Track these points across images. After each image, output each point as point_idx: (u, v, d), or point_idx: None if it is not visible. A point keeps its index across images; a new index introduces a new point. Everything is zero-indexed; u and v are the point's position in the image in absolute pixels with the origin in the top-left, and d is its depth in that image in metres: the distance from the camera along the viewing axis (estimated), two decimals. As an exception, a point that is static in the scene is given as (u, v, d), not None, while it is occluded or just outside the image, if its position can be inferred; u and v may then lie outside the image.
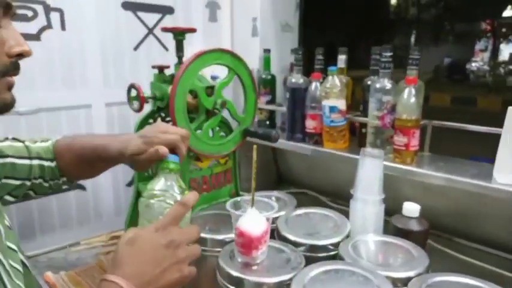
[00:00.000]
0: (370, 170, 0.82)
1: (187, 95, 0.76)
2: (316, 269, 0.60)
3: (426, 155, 1.04)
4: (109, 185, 1.22)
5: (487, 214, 0.95)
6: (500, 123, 0.84)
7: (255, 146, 0.64)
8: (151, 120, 0.97)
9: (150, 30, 1.26)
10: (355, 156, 1.05)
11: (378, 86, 0.98)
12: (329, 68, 1.07)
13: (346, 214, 0.85)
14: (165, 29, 0.88)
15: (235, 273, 0.61)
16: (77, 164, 0.69)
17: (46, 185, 0.69)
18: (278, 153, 1.46)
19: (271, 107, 1.35)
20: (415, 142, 0.95)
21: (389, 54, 0.97)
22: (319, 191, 1.40)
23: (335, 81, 1.06)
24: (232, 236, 0.73)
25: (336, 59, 1.18)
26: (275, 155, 1.47)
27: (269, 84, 1.37)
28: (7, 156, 0.63)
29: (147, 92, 0.89)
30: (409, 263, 0.64)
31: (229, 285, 0.62)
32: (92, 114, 1.16)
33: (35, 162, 0.67)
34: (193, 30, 0.89)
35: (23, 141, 0.67)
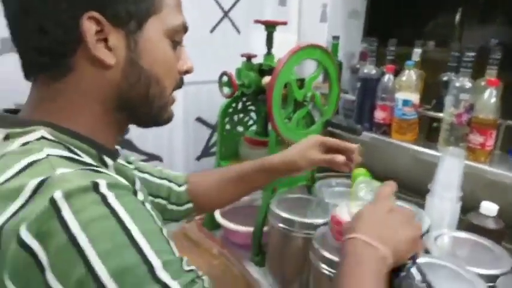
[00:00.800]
0: (451, 168, 0.85)
1: (283, 87, 0.81)
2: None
3: (497, 153, 1.06)
4: (179, 159, 1.30)
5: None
6: None
7: (358, 145, 0.69)
8: (234, 104, 1.03)
9: (226, 13, 1.30)
10: (424, 149, 1.08)
11: (457, 84, 0.99)
12: (406, 63, 1.09)
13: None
14: (258, 21, 0.93)
15: (329, 256, 0.67)
16: (216, 187, 0.74)
17: (168, 207, 0.72)
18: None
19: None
20: (491, 142, 0.96)
21: (472, 54, 0.98)
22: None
23: (411, 75, 1.08)
24: (318, 220, 0.79)
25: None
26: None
27: (336, 71, 1.40)
28: (145, 172, 0.69)
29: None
30: (494, 260, 0.68)
31: (322, 264, 0.68)
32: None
33: (165, 182, 0.71)
34: (284, 23, 0.93)
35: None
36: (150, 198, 0.67)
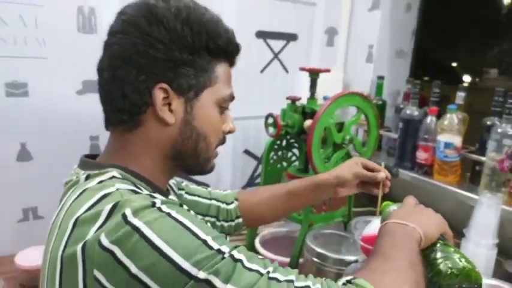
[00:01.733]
0: (487, 214, 0.87)
1: (322, 133, 0.88)
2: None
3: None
4: (227, 187, 1.40)
5: None
6: None
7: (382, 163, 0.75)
8: (278, 141, 1.11)
9: (276, 55, 1.41)
10: (465, 193, 1.09)
11: (499, 130, 1.00)
12: (449, 107, 1.11)
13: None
14: (303, 69, 1.02)
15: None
16: (267, 202, 0.82)
17: (218, 224, 0.81)
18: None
19: (380, 131, 1.42)
20: (533, 189, 0.96)
21: (515, 101, 0.99)
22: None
23: (453, 119, 1.11)
24: (351, 257, 0.84)
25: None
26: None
27: (380, 110, 1.44)
28: (195, 195, 0.81)
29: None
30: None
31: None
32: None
33: (213, 202, 0.81)
34: (327, 71, 1.01)
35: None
36: (200, 217, 0.75)
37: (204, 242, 0.45)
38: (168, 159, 0.58)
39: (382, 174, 0.80)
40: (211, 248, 0.44)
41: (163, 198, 0.49)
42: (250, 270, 0.45)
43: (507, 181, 1.01)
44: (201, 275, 0.42)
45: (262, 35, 1.36)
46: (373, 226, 0.69)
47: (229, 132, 0.63)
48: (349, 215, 1.04)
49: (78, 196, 0.50)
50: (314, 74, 1.02)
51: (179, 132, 0.56)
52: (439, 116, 1.18)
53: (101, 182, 0.51)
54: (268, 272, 0.45)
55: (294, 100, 1.06)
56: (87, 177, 0.53)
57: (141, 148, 0.56)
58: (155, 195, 0.50)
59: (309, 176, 0.83)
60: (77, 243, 0.45)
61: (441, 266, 0.54)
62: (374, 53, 1.49)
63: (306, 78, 1.15)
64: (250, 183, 1.44)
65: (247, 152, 1.41)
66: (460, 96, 1.19)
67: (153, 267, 0.43)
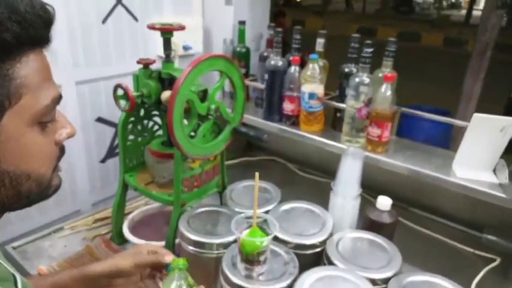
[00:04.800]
0: (351, 168, 0.90)
1: (184, 103, 0.76)
2: (311, 276, 0.69)
3: (393, 139, 1.14)
4: (82, 163, 1.20)
5: (446, 195, 1.10)
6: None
7: (257, 174, 0.68)
8: (135, 112, 0.95)
9: (119, 1, 1.17)
10: (329, 141, 1.13)
11: (357, 80, 1.02)
12: (310, 56, 1.09)
13: (318, 192, 0.97)
14: (152, 28, 0.84)
15: (238, 282, 0.69)
16: None
17: None
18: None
19: (246, 82, 1.35)
20: (387, 134, 1.03)
21: (370, 50, 1.01)
22: (287, 159, 1.49)
23: (315, 69, 1.09)
24: (229, 238, 0.79)
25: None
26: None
27: (244, 57, 1.36)
28: None
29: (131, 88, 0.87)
30: (388, 263, 0.75)
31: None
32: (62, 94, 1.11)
33: None
34: (182, 29, 0.85)
35: None
36: None
37: None
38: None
39: (169, 256, 0.69)
40: None
41: None
42: None
43: (365, 128, 1.06)
44: None
45: (96, -25, 1.09)
46: None
47: (69, 137, 0.49)
48: (223, 184, 0.98)
49: None
50: (167, 33, 0.85)
51: None
52: (303, 64, 1.16)
53: None
54: None
55: (146, 64, 0.89)
56: None
57: None
58: None
59: (81, 267, 0.68)
60: None
61: None
62: (232, -6, 1.36)
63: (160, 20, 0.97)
64: (111, 153, 1.25)
65: (100, 119, 1.20)
66: (320, 43, 1.18)
67: None
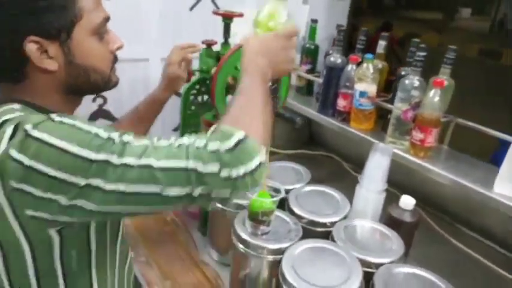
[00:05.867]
0: (378, 163, 0.93)
1: (226, 80, 0.88)
2: (306, 245, 0.76)
3: (445, 149, 1.12)
4: (157, 130, 1.40)
5: (486, 212, 1.05)
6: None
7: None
8: (197, 86, 1.11)
9: (205, -8, 1.34)
10: (374, 139, 1.15)
11: (406, 82, 1.04)
12: (365, 56, 1.13)
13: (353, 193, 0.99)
14: (216, 13, 0.98)
15: (243, 236, 0.78)
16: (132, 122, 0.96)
17: None
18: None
19: (309, 76, 1.43)
20: (431, 139, 1.02)
21: (422, 53, 1.01)
22: (343, 157, 1.52)
23: (369, 69, 1.12)
24: (244, 201, 0.89)
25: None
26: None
27: (311, 54, 1.44)
28: None
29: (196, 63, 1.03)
30: (387, 252, 0.78)
31: (239, 243, 0.80)
32: (149, 68, 1.33)
33: None
34: (241, 15, 0.98)
35: None
36: None
37: (96, 134, 0.52)
38: (70, 96, 0.63)
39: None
40: (103, 137, 0.52)
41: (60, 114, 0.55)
42: (138, 145, 0.53)
43: (410, 131, 1.06)
44: (99, 156, 0.50)
45: (188, -31, 1.28)
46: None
47: (118, 48, 0.67)
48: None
49: None
50: (227, 18, 0.99)
51: (67, 74, 0.60)
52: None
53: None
54: (152, 143, 0.54)
55: (209, 44, 1.04)
56: None
57: (35, 96, 0.59)
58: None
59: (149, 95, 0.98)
60: None
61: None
62: (311, -7, 1.45)
63: (243, 19, 1.12)
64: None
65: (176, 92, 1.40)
66: (381, 45, 1.20)
67: (58, 162, 0.49)
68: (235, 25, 1.14)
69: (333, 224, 0.86)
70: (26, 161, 0.49)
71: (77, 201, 0.50)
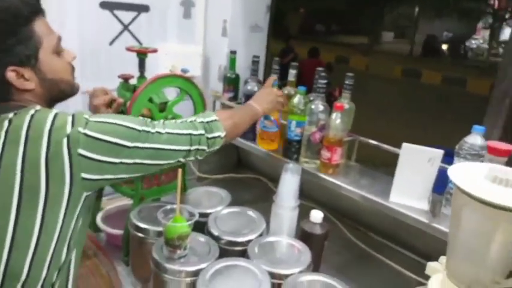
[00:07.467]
0: (289, 181, 1.01)
1: (141, 111, 0.92)
2: (220, 264, 0.81)
3: (352, 165, 1.24)
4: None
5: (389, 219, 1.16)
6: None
7: (179, 170, 0.83)
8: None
9: (126, 27, 1.39)
10: (280, 158, 1.24)
11: (313, 106, 1.15)
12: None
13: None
14: (129, 50, 1.03)
15: (161, 261, 0.81)
16: None
17: None
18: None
19: (232, 103, 1.51)
20: (336, 157, 1.13)
21: (324, 81, 1.13)
22: (269, 178, 1.60)
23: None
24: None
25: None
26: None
27: (233, 83, 1.52)
28: None
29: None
30: (295, 262, 0.85)
31: (157, 269, 0.82)
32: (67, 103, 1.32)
33: None
34: (154, 51, 1.04)
35: None
36: None
37: (134, 117, 0.80)
38: (52, 103, 0.80)
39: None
40: (140, 118, 0.79)
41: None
42: (158, 123, 0.81)
43: (319, 150, 1.17)
44: (143, 128, 0.76)
45: (107, 5, 1.32)
46: None
47: (73, 59, 0.82)
48: (184, 186, 1.12)
49: (28, 122, 0.68)
50: (142, 54, 1.04)
51: (43, 88, 0.76)
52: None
53: (36, 110, 0.71)
54: (169, 121, 0.84)
55: (126, 78, 1.07)
56: (15, 114, 0.70)
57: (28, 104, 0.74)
58: None
59: None
60: (60, 140, 0.67)
61: None
62: (228, 28, 1.54)
63: (162, 49, 1.18)
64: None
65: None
66: (292, 73, 1.31)
67: (116, 132, 0.72)
68: (161, 58, 1.21)
69: (248, 242, 0.92)
70: (92, 133, 0.69)
71: (124, 159, 0.73)
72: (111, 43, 1.36)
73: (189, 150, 0.82)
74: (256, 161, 1.67)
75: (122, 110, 1.08)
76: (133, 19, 1.40)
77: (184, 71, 1.56)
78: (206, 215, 1.00)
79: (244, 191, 1.50)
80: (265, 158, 1.30)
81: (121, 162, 0.72)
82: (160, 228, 0.92)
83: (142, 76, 1.05)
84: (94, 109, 1.01)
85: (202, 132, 0.84)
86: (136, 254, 0.97)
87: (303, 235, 0.98)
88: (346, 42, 12.04)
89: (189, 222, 0.82)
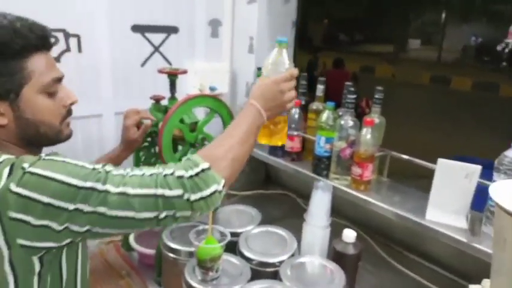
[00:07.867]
0: (320, 199, 1.00)
1: (172, 132, 0.94)
2: (252, 287, 0.80)
3: (384, 181, 1.21)
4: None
5: (426, 238, 1.13)
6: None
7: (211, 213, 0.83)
8: (149, 139, 1.16)
9: (156, 48, 1.43)
10: (319, 177, 1.22)
11: (342, 122, 1.13)
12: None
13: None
14: (161, 72, 1.05)
15: (194, 284, 0.81)
16: None
17: None
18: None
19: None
20: (368, 173, 1.11)
21: (353, 96, 1.12)
22: (298, 194, 1.58)
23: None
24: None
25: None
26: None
27: (260, 99, 1.53)
28: None
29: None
30: (328, 284, 0.83)
31: (190, 292, 0.83)
32: (102, 123, 1.37)
33: None
34: (184, 72, 1.06)
35: None
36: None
37: (83, 166, 0.61)
38: (27, 147, 0.70)
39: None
40: (88, 168, 0.61)
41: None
42: (117, 174, 0.62)
43: (350, 166, 1.15)
44: (86, 184, 0.59)
45: (138, 29, 1.36)
46: None
47: (72, 103, 0.74)
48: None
49: None
50: (172, 75, 1.06)
51: (17, 126, 0.68)
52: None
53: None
54: (127, 173, 0.63)
55: (157, 100, 1.10)
56: None
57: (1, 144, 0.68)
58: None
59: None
60: None
61: None
62: (254, 44, 1.56)
63: (191, 70, 1.20)
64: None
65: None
66: (320, 88, 1.31)
67: (52, 191, 0.58)
68: (189, 77, 1.23)
69: (280, 263, 0.91)
70: (25, 192, 0.57)
71: (67, 225, 0.59)
72: (142, 64, 1.40)
73: (157, 218, 0.62)
74: (284, 177, 1.66)
75: (155, 131, 1.10)
76: (163, 41, 1.43)
77: (212, 89, 1.57)
78: (237, 235, 1.00)
79: (273, 207, 1.49)
80: (293, 174, 1.29)
81: (65, 228, 0.59)
82: (192, 249, 0.93)
83: (173, 97, 1.07)
84: (125, 130, 1.03)
85: (179, 192, 0.61)
86: (168, 275, 0.97)
87: (336, 255, 0.96)
88: (371, 51, 11.89)
89: (221, 244, 0.82)
